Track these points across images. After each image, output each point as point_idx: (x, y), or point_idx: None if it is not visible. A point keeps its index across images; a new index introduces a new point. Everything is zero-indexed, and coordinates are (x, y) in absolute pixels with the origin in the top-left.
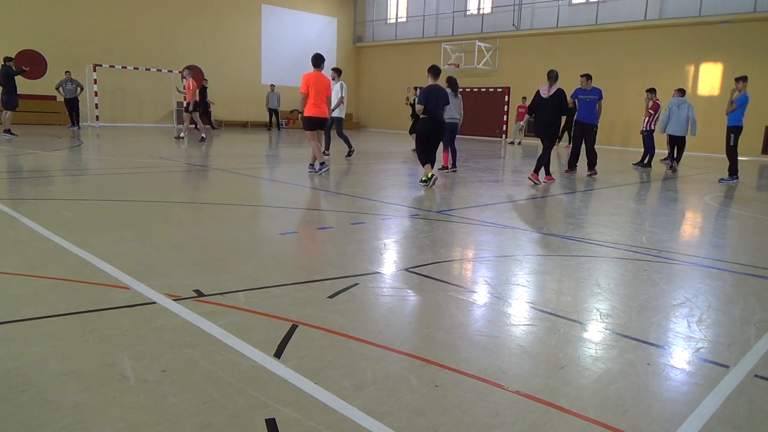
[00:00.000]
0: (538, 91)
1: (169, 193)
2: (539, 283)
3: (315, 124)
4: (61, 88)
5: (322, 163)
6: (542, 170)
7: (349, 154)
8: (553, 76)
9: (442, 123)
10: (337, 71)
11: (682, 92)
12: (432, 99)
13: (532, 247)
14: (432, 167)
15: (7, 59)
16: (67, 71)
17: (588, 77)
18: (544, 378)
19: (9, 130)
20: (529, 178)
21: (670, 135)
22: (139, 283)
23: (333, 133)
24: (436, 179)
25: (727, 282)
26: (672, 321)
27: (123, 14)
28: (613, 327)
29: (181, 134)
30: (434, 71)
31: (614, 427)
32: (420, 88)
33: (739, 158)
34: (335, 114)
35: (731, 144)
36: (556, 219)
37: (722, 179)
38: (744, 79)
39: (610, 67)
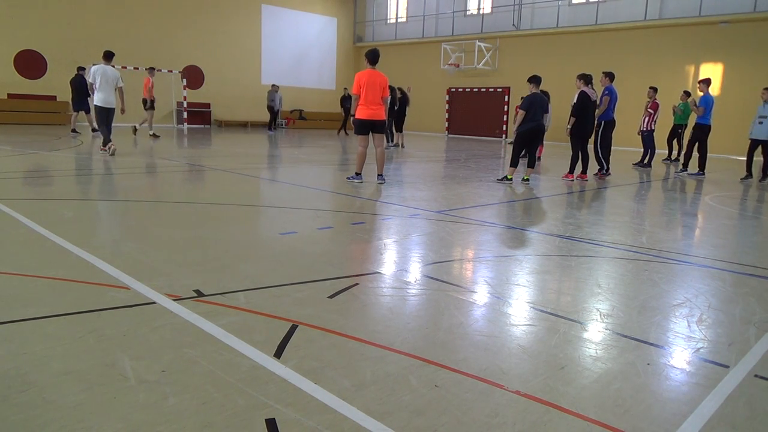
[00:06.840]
0: (585, 93)
1: (169, 193)
2: (539, 283)
3: (367, 126)
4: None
5: (355, 174)
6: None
7: (104, 144)
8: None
9: (542, 128)
10: (104, 55)
11: None
12: (534, 106)
13: (532, 247)
14: (533, 169)
15: (80, 69)
16: (274, 85)
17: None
18: (544, 378)
19: (76, 129)
20: (594, 174)
21: (759, 140)
22: (139, 283)
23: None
24: (528, 180)
25: (727, 282)
26: (672, 321)
27: (123, 14)
28: (613, 327)
29: (145, 128)
30: (536, 80)
31: (614, 427)
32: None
33: (739, 158)
34: (96, 102)
35: (691, 140)
36: (556, 219)
37: (678, 171)
38: (704, 81)
39: (610, 67)
